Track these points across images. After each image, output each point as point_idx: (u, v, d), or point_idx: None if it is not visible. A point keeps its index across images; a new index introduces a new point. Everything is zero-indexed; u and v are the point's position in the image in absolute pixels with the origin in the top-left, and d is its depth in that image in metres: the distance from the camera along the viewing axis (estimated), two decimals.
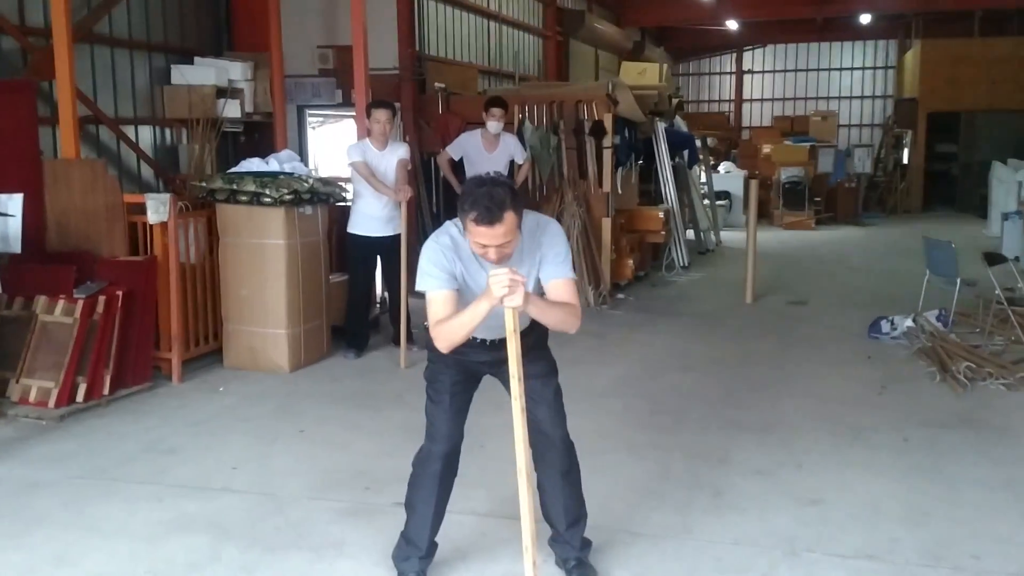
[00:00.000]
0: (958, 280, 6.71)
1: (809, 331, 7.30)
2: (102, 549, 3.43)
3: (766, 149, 16.96)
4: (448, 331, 2.80)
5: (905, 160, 18.70)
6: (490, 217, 2.68)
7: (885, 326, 6.90)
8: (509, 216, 2.70)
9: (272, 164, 6.13)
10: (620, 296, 8.64)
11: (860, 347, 6.68)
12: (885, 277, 9.97)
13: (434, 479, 3.18)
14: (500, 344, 2.93)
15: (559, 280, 2.91)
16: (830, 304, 8.46)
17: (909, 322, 6.84)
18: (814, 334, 7.18)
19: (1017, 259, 9.81)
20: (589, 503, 3.35)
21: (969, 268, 7.02)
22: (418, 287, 2.90)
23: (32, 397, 5.03)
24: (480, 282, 2.85)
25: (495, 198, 2.68)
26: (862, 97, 21.10)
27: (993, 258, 6.87)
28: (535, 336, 3.09)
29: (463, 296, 2.86)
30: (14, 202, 5.36)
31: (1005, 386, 5.52)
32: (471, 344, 3.01)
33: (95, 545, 3.47)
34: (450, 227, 2.93)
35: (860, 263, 11.34)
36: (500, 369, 3.10)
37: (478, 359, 3.10)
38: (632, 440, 4.68)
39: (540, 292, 2.94)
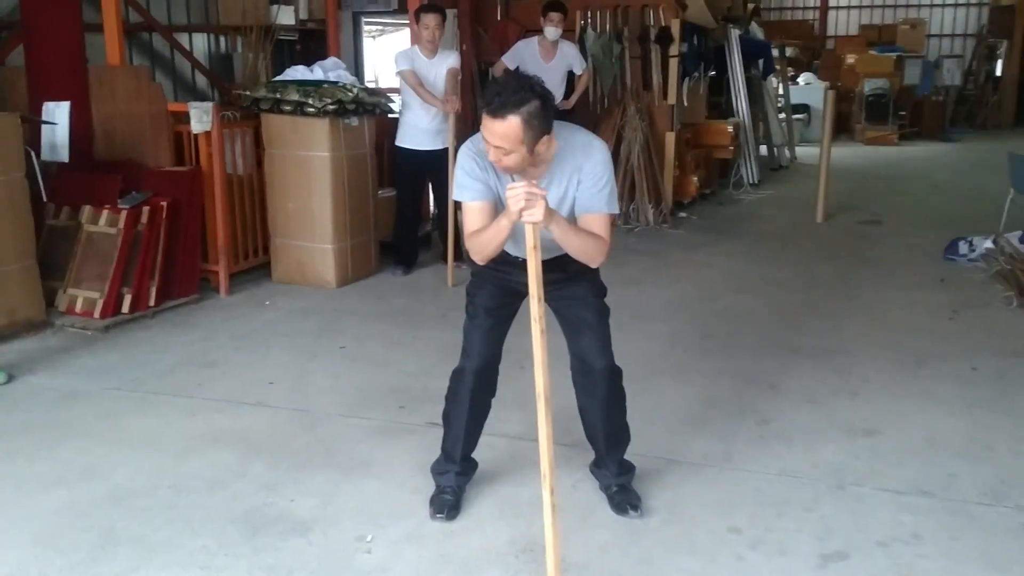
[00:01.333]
0: None
1: (880, 252, 6.92)
2: (130, 463, 3.42)
3: (850, 59, 16.10)
4: (480, 244, 2.68)
5: (999, 72, 17.55)
6: (493, 108, 2.50)
7: (963, 247, 6.49)
8: (513, 120, 2.48)
9: (316, 72, 5.94)
10: (682, 215, 8.32)
11: (934, 269, 6.30)
12: (968, 196, 9.43)
13: (467, 395, 3.07)
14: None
15: (594, 214, 2.70)
16: (906, 224, 8.02)
17: (989, 243, 6.41)
18: (886, 256, 6.80)
19: None
20: (630, 428, 3.20)
21: None
22: (455, 196, 2.81)
23: (78, 307, 5.05)
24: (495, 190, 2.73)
25: (510, 93, 2.49)
26: (955, 4, 19.74)
27: None
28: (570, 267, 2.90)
29: (500, 207, 2.69)
30: (61, 110, 5.31)
31: None
32: (507, 261, 2.87)
33: (124, 458, 3.45)
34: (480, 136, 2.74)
35: (942, 181, 10.74)
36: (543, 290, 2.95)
37: (517, 279, 2.89)
38: (680, 364, 4.48)
39: (572, 218, 2.72)
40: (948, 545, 2.82)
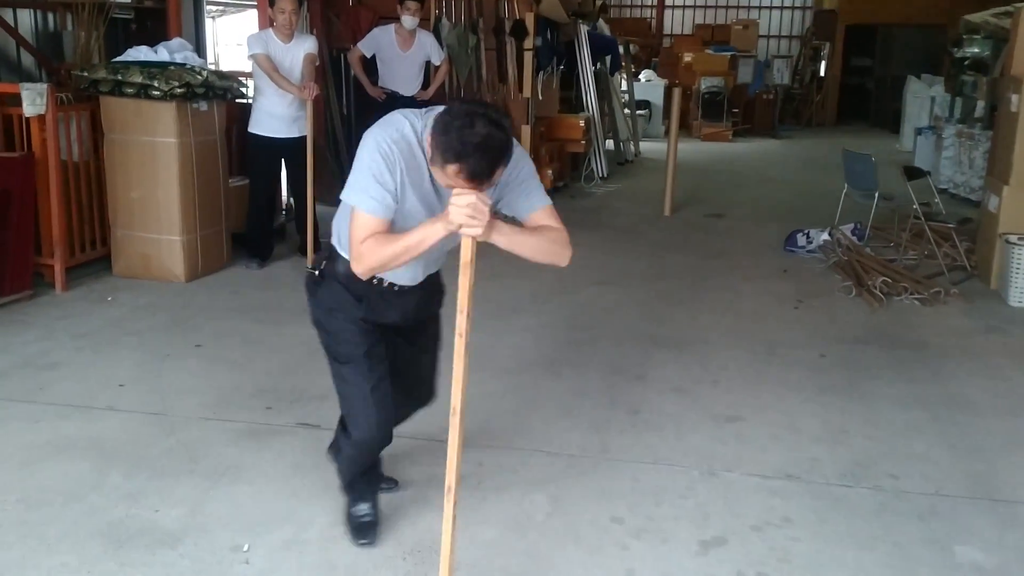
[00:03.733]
0: (876, 194, 6.68)
1: (726, 245, 7.23)
2: None
3: (687, 58, 16.74)
4: (380, 254, 2.25)
5: (822, 72, 18.75)
6: (484, 177, 2.13)
7: (801, 239, 6.87)
8: (501, 170, 2.18)
9: (161, 53, 5.59)
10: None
11: (776, 261, 6.64)
12: (801, 190, 10.00)
13: (370, 458, 2.85)
14: (406, 292, 2.58)
15: (538, 210, 2.41)
16: (746, 217, 8.41)
17: (825, 236, 6.81)
18: (731, 248, 7.11)
19: (929, 173, 9.92)
20: (504, 420, 3.16)
21: (885, 183, 6.99)
22: (346, 198, 2.30)
23: None
24: (425, 204, 2.35)
25: (496, 153, 2.12)
26: (782, 7, 20.88)
27: (912, 172, 6.85)
28: (434, 291, 2.73)
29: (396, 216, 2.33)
30: None
31: (920, 301, 5.54)
32: (379, 291, 2.54)
33: None
34: (403, 126, 2.30)
35: (776, 175, 11.34)
36: (402, 332, 2.69)
37: (382, 312, 2.58)
38: (549, 357, 4.51)
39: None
40: (817, 527, 2.96)
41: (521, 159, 2.38)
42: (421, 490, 3.10)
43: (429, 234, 2.20)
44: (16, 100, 5.18)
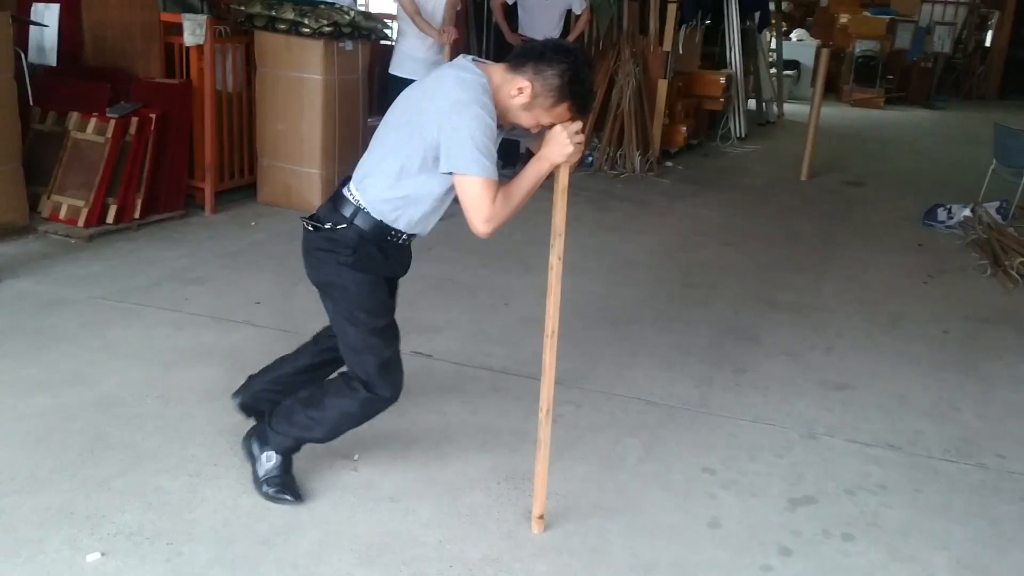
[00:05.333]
0: None
1: (861, 213, 7.01)
2: (117, 371, 3.45)
3: (843, 19, 16.03)
4: (509, 205, 2.30)
5: (988, 43, 17.59)
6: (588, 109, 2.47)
7: (941, 214, 6.60)
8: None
9: None
10: (668, 164, 8.35)
11: (912, 234, 6.41)
12: (949, 164, 9.53)
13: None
14: (409, 244, 2.61)
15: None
16: (888, 187, 8.11)
17: (967, 211, 6.52)
18: (866, 217, 6.90)
19: None
20: (606, 368, 3.25)
21: None
22: (467, 170, 2.26)
23: (62, 214, 5.02)
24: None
25: (591, 85, 2.46)
26: None
27: None
28: None
29: None
30: (51, 11, 5.21)
31: None
32: (398, 245, 2.56)
33: (111, 367, 3.48)
34: (482, 84, 2.31)
35: (925, 147, 10.83)
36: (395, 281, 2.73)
37: (394, 265, 2.63)
38: (660, 311, 4.56)
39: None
40: (912, 496, 2.94)
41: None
42: (521, 423, 3.24)
43: (541, 171, 2.36)
44: (178, 29, 5.54)
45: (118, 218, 5.07)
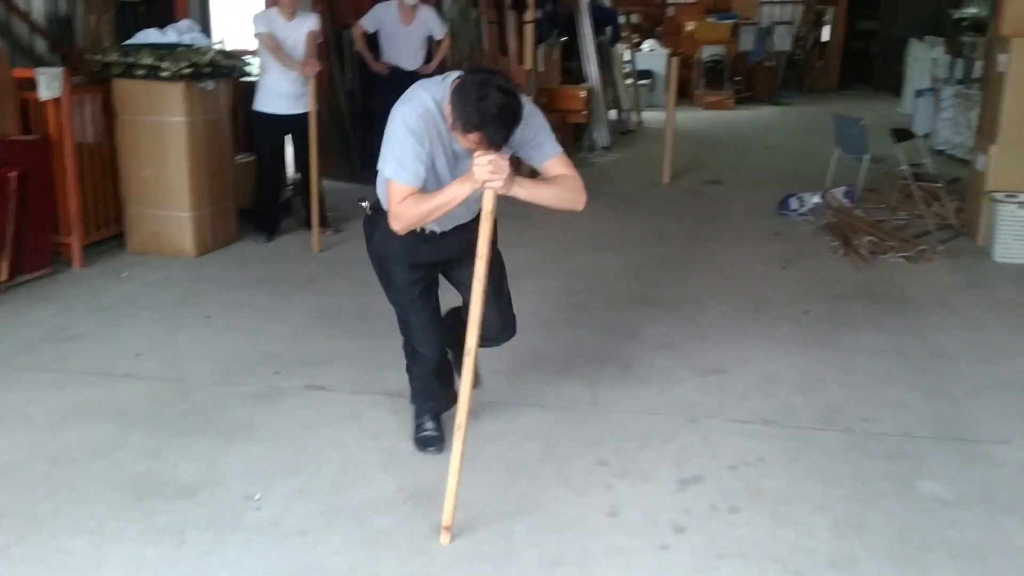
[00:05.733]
0: (866, 156, 6.82)
1: (722, 209, 7.40)
2: (1, 439, 3.35)
3: (689, 26, 16.77)
4: (420, 213, 2.61)
5: (825, 38, 18.74)
6: (501, 143, 2.49)
7: (794, 203, 7.04)
8: (515, 132, 2.54)
9: (170, 35, 5.79)
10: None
11: (769, 224, 6.81)
12: (798, 155, 10.13)
13: (432, 376, 3.25)
14: (447, 235, 2.93)
15: (551, 159, 2.74)
16: (744, 183, 8.58)
17: (817, 199, 6.98)
18: (726, 212, 7.29)
19: (927, 135, 10.03)
20: (500, 378, 3.40)
21: (880, 145, 7.13)
22: (384, 169, 2.65)
23: None
24: (451, 167, 2.71)
25: (511, 119, 2.46)
26: None
27: (901, 134, 6.99)
28: (473, 233, 2.85)
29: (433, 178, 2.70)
30: None
31: (906, 259, 5.71)
32: (418, 236, 2.88)
33: None
34: (426, 99, 2.61)
35: (775, 142, 11.47)
36: (449, 266, 3.07)
37: (427, 253, 2.98)
38: (546, 318, 4.72)
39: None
40: (789, 466, 3.18)
41: (532, 115, 2.66)
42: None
43: (457, 192, 2.55)
44: (32, 84, 5.39)
45: None
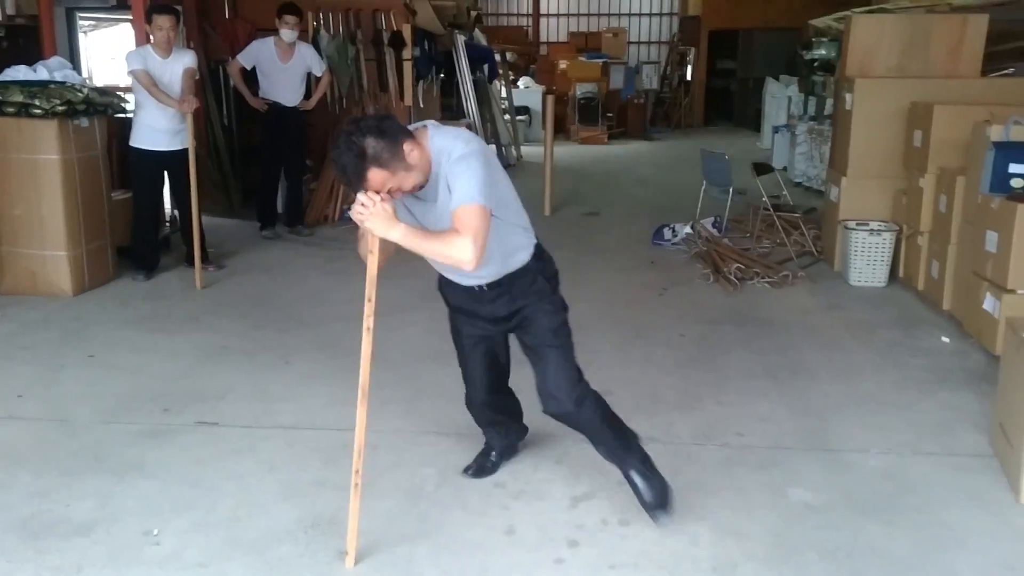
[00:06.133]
0: (731, 189, 7.25)
1: (600, 240, 7.71)
2: None
3: (562, 65, 17.33)
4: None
5: (688, 76, 19.69)
6: (348, 185, 2.55)
7: (667, 233, 7.40)
8: (374, 173, 2.50)
9: (41, 72, 5.67)
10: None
11: (645, 253, 7.14)
12: (669, 188, 10.61)
13: (485, 422, 3.42)
14: (485, 292, 2.93)
15: (455, 210, 2.54)
16: (620, 214, 8.93)
17: (688, 229, 7.36)
18: (605, 242, 7.59)
19: (785, 168, 10.70)
20: (395, 408, 3.44)
21: (743, 178, 7.59)
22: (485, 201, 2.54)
23: None
24: (412, 212, 2.76)
25: (341, 169, 2.51)
26: (650, 14, 21.81)
27: (761, 168, 7.47)
28: (522, 282, 2.93)
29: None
30: None
31: (770, 284, 6.10)
32: (455, 289, 3.00)
33: None
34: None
35: (648, 175, 11.97)
36: (502, 325, 3.03)
37: (453, 299, 3.07)
38: (436, 348, 4.79)
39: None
40: (672, 479, 3.33)
41: (462, 160, 2.55)
42: (320, 472, 3.37)
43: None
44: None
45: None
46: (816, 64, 11.42)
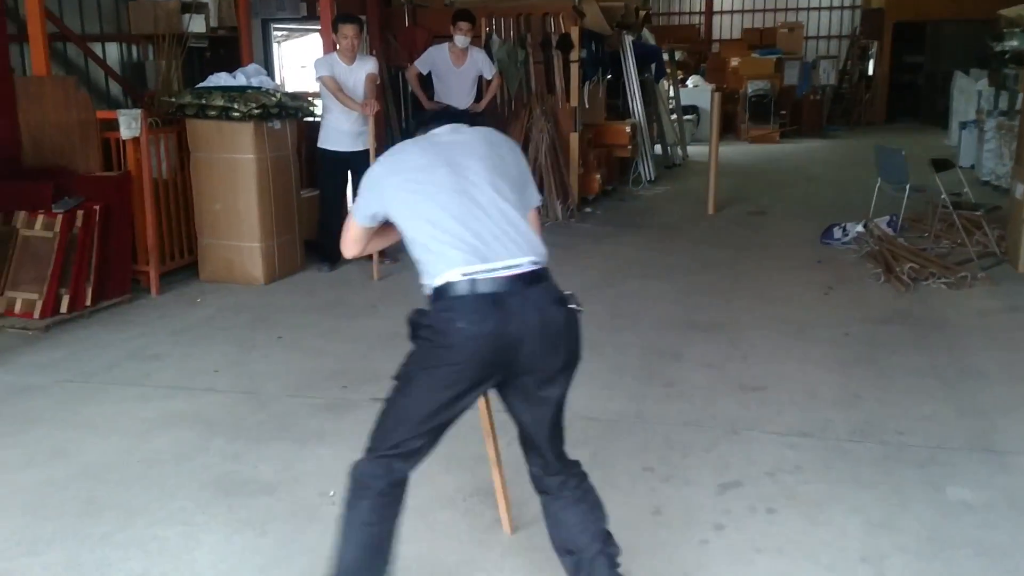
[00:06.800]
0: (907, 186, 6.99)
1: (765, 239, 7.60)
2: (96, 444, 3.69)
3: (734, 62, 17.05)
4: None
5: (871, 71, 18.87)
6: None
7: (837, 232, 7.21)
8: None
9: (239, 78, 6.22)
10: (588, 210, 8.88)
11: (812, 253, 6.99)
12: (843, 186, 10.28)
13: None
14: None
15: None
16: (788, 213, 8.76)
17: (860, 228, 7.15)
18: (770, 241, 7.49)
19: (972, 167, 10.14)
20: None
21: (922, 176, 7.28)
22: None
23: (17, 308, 5.22)
24: None
25: None
26: (830, 8, 21.05)
27: (940, 164, 7.13)
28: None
29: None
30: None
31: (946, 285, 5.86)
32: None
33: (89, 440, 3.72)
34: None
35: (820, 173, 11.64)
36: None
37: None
38: (593, 339, 4.85)
39: None
40: (824, 473, 3.37)
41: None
42: (478, 448, 3.57)
43: None
44: (111, 125, 5.84)
45: (71, 307, 5.29)
46: (1008, 56, 10.72)
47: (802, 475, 3.35)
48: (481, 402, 2.84)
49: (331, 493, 3.24)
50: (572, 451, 3.57)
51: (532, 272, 2.28)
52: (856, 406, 4.00)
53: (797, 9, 21.20)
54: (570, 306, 2.35)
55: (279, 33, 10.67)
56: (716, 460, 3.48)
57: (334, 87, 6.26)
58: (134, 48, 8.53)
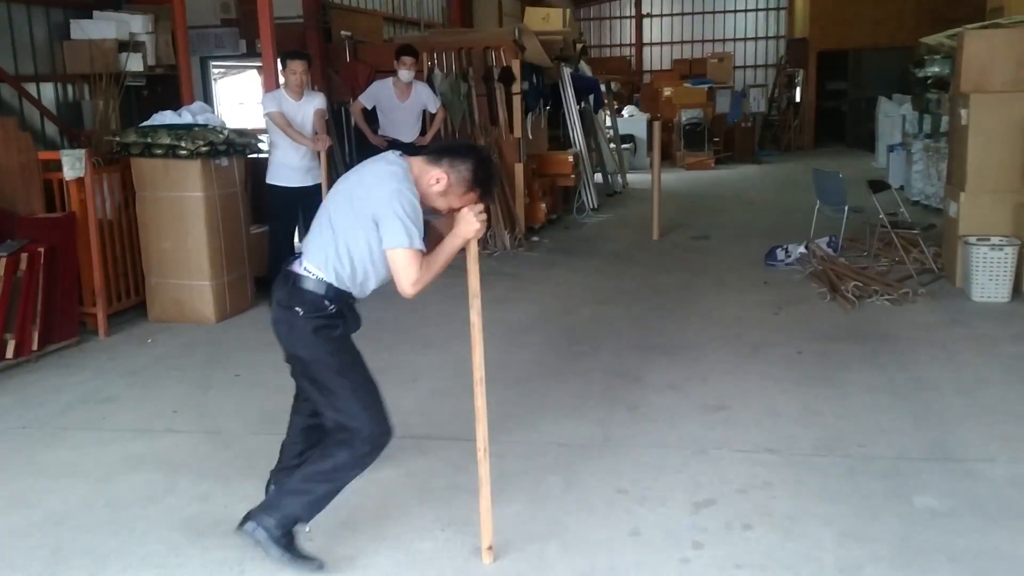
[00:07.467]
0: (846, 208, 7.21)
1: (711, 262, 7.76)
2: (57, 490, 3.58)
3: (667, 92, 17.40)
4: (434, 273, 2.81)
5: (798, 99, 19.46)
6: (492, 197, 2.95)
7: (780, 254, 7.39)
8: None
9: (185, 116, 6.16)
10: (535, 239, 8.95)
11: (758, 274, 7.15)
12: (780, 210, 10.55)
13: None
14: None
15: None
16: (730, 237, 8.95)
17: (802, 249, 7.34)
18: (716, 265, 7.64)
19: (902, 187, 10.51)
20: (519, 422, 3.63)
21: (857, 197, 7.52)
22: (402, 244, 2.74)
23: None
24: None
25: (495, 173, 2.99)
26: (756, 38, 21.70)
27: (877, 186, 7.39)
28: None
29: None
30: None
31: (890, 301, 6.05)
32: (352, 303, 2.99)
33: (49, 487, 3.61)
34: (405, 173, 2.83)
35: (757, 198, 11.92)
36: None
37: (355, 321, 3.04)
38: (554, 367, 5.00)
39: None
40: (795, 488, 3.44)
41: None
42: (452, 477, 3.58)
43: (455, 245, 2.84)
44: (52, 166, 5.73)
45: (17, 352, 5.13)
46: (930, 82, 11.17)
47: (773, 491, 3.42)
48: (480, 418, 2.92)
49: (307, 530, 3.19)
50: (547, 476, 3.61)
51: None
52: (817, 422, 4.09)
53: (724, 40, 21.80)
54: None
55: (216, 71, 10.57)
56: (688, 480, 3.53)
57: (283, 123, 6.23)
58: (70, 88, 8.36)
